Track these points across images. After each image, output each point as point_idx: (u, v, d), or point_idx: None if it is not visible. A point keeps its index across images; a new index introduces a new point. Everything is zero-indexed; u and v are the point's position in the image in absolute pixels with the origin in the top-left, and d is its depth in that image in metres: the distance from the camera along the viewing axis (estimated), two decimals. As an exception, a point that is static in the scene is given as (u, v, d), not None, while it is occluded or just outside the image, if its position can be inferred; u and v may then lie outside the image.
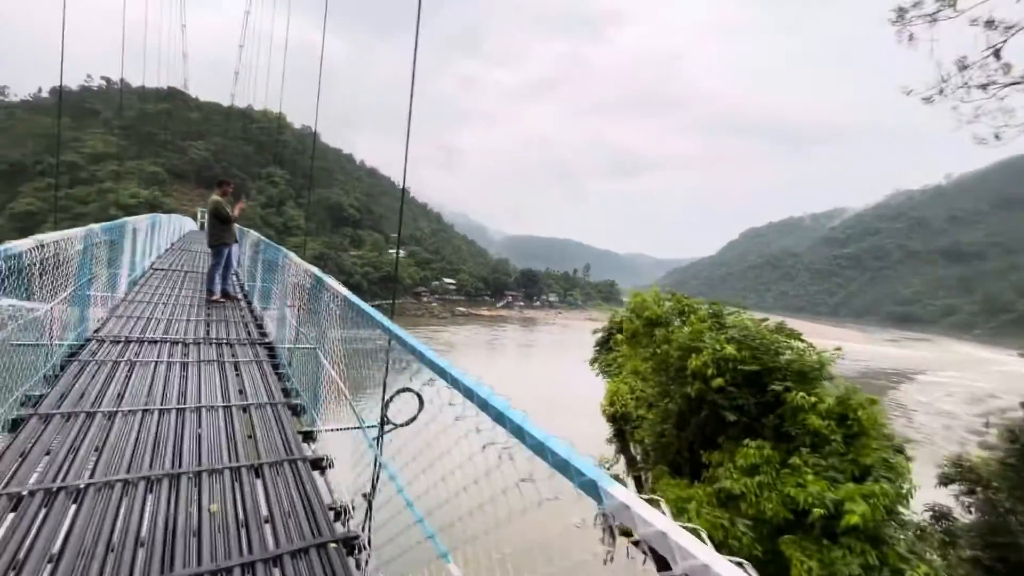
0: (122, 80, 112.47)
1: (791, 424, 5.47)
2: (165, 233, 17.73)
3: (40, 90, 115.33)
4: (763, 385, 5.95)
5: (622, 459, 10.70)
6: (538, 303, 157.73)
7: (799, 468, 5.08)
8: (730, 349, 5.94)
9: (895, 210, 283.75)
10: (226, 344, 5.26)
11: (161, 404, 3.43)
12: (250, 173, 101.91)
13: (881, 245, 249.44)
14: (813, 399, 5.32)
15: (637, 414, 10.28)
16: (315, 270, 4.10)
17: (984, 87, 7.66)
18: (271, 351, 5.28)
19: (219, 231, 7.95)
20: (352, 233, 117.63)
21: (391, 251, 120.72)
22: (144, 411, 3.28)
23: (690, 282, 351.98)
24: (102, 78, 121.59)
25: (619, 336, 8.57)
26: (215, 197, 8.00)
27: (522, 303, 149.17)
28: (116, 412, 3.21)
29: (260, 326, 6.64)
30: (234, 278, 8.53)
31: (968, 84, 7.72)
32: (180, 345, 4.99)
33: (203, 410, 3.42)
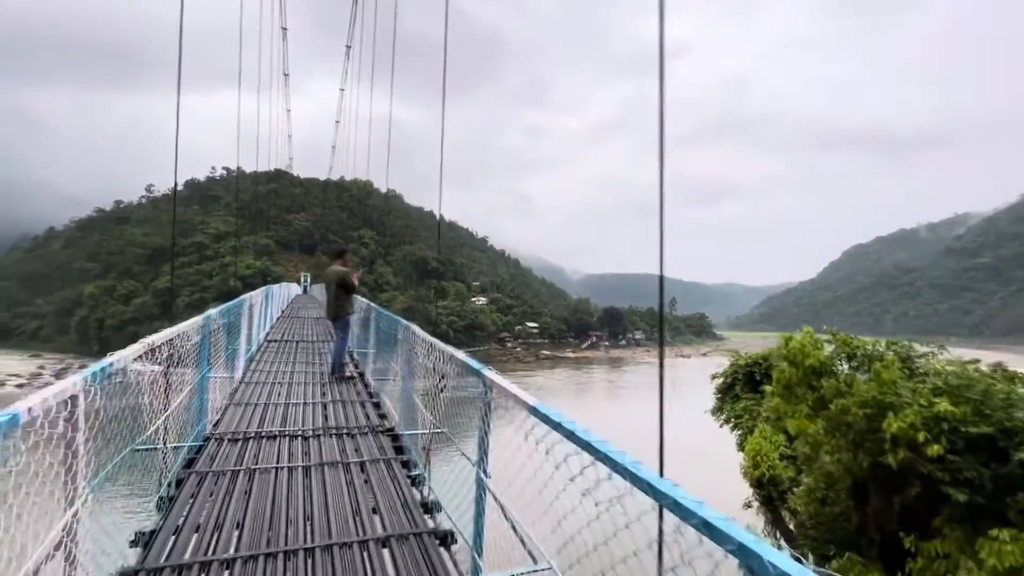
0: (238, 168, 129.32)
1: (1063, 507, 4.04)
2: (277, 302, 18.99)
3: (176, 185, 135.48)
4: (999, 452, 4.55)
5: (771, 531, 9.08)
6: (623, 341, 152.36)
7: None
8: (944, 405, 4.64)
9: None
10: (347, 435, 4.92)
11: (284, 544, 2.87)
12: (344, 237, 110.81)
13: (1020, 252, 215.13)
14: (1095, 474, 3.91)
15: (787, 476, 8.74)
16: (460, 355, 3.26)
17: None
18: (396, 442, 4.82)
19: (344, 302, 7.74)
20: (436, 284, 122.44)
21: (474, 299, 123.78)
22: (267, 556, 2.75)
23: (791, 309, 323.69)
24: (223, 168, 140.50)
25: (766, 387, 7.33)
26: (338, 268, 7.85)
27: (607, 343, 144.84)
28: (235, 560, 2.71)
29: (377, 405, 6.33)
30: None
31: None
32: (300, 440, 4.71)
33: (335, 548, 2.84)
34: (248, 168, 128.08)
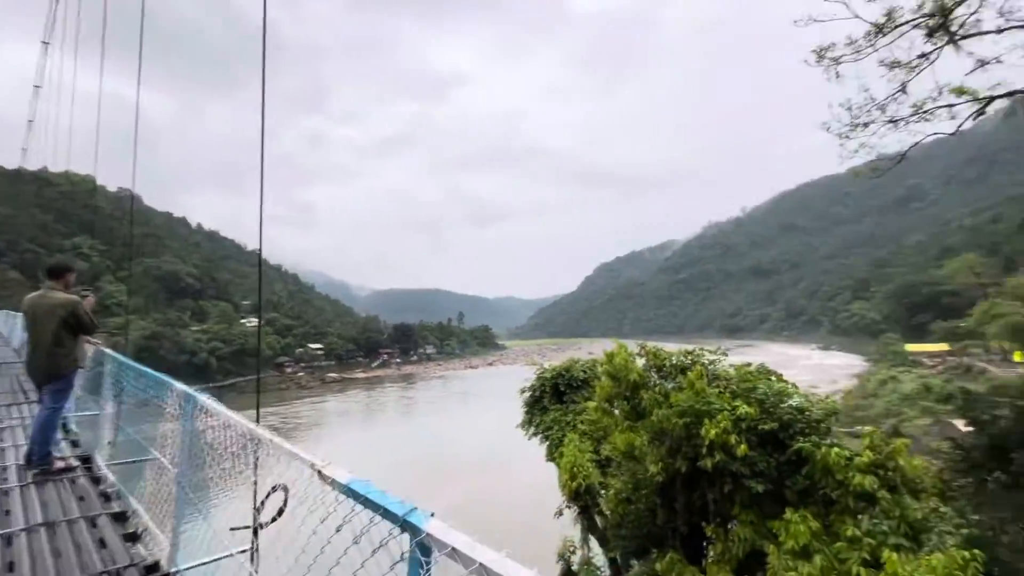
0: None
1: (828, 485, 4.99)
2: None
3: None
4: (781, 443, 5.47)
5: (586, 537, 9.59)
6: (415, 357, 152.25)
7: (859, 540, 4.56)
8: (744, 408, 5.38)
9: (711, 239, 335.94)
10: None
11: None
12: (49, 246, 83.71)
13: (706, 270, 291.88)
14: (847, 452, 4.93)
15: (599, 482, 9.33)
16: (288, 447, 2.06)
17: (866, 125, 8.49)
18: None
19: (70, 350, 4.80)
20: (193, 305, 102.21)
21: (244, 320, 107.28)
22: None
23: (558, 318, 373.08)
24: None
25: (575, 397, 7.62)
26: (58, 295, 4.81)
27: (399, 360, 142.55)
28: None
29: (123, 518, 3.61)
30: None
31: (854, 123, 8.47)
32: None
33: None
34: None
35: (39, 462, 4.52)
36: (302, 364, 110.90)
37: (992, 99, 7.82)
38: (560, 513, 11.04)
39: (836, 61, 7.18)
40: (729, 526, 6.24)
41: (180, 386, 3.08)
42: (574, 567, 9.91)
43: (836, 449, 4.96)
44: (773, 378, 6.51)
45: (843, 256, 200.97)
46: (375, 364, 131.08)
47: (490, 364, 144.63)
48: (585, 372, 12.37)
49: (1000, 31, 7.56)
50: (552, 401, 12.28)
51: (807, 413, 5.48)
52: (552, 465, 12.03)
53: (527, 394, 13.00)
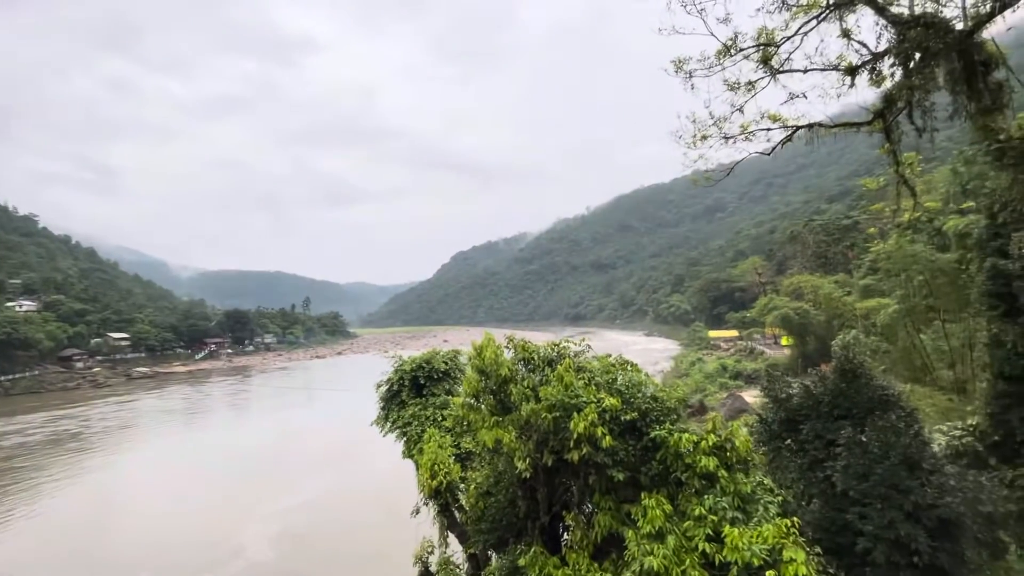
0: None
1: (678, 468, 5.37)
2: None
3: None
4: (638, 431, 5.75)
5: (446, 536, 9.28)
6: (251, 347, 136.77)
7: (704, 518, 4.98)
8: (609, 400, 5.52)
9: (559, 234, 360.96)
10: None
11: None
12: None
13: (555, 262, 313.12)
14: (695, 438, 5.35)
15: (462, 476, 9.08)
16: None
17: (704, 138, 9.47)
18: None
19: None
20: (-76, 283, 77.53)
21: (11, 304, 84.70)
22: None
23: (413, 305, 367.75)
24: None
25: (457, 399, 7.26)
26: None
27: (230, 350, 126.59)
28: None
29: None
30: None
31: (696, 136, 9.36)
32: None
33: None
34: None
35: None
36: (99, 357, 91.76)
37: (797, 128, 9.26)
38: (417, 511, 10.57)
39: (690, 74, 7.89)
40: (587, 512, 6.44)
41: None
42: (432, 568, 9.58)
43: (686, 435, 5.38)
44: (630, 368, 6.89)
45: (666, 255, 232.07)
46: (200, 356, 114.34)
47: (339, 353, 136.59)
48: (447, 363, 12.01)
49: (805, 71, 8.94)
50: (411, 395, 11.67)
51: (662, 402, 5.88)
52: (409, 461, 11.50)
53: (383, 388, 12.18)
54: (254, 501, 26.17)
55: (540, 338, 9.23)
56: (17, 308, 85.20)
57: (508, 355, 6.96)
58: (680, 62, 7.92)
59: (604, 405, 5.61)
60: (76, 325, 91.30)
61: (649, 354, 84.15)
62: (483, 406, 6.72)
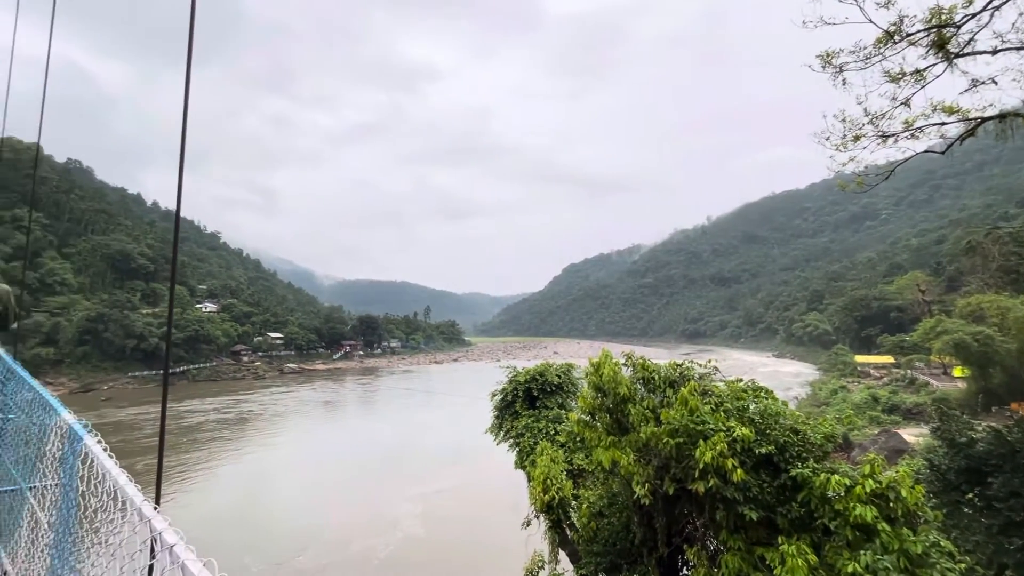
0: None
1: (825, 514, 4.71)
2: None
3: None
4: (775, 467, 5.17)
5: (556, 553, 9.17)
6: (379, 350, 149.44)
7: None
8: (741, 430, 5.04)
9: (676, 246, 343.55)
10: None
11: None
12: (-18, 216, 77.67)
13: (671, 275, 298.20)
14: (847, 481, 4.66)
15: (574, 493, 8.93)
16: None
17: (856, 139, 8.34)
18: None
19: None
20: (144, 287, 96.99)
21: (199, 305, 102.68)
22: None
23: (524, 316, 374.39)
24: None
25: (572, 415, 7.18)
26: None
27: (362, 352, 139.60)
28: None
29: None
30: None
31: (847, 136, 8.30)
32: None
33: None
34: None
35: None
36: (260, 353, 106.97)
37: (983, 120, 7.77)
38: (528, 524, 10.61)
39: (840, 68, 7.00)
40: (712, 550, 5.92)
41: (67, 417, 2.32)
42: (542, 583, 9.52)
43: (836, 476, 4.69)
44: (764, 395, 6.24)
45: (800, 268, 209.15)
46: (337, 356, 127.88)
47: (455, 360, 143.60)
48: (560, 377, 11.97)
49: (995, 52, 7.50)
50: (524, 406, 11.81)
51: (803, 435, 5.20)
52: (519, 474, 11.62)
53: (498, 397, 12.49)
54: (398, 484, 29.88)
55: (654, 354, 8.84)
56: (203, 309, 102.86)
57: (626, 373, 6.70)
58: (828, 56, 7.05)
59: (735, 434, 5.11)
60: (244, 325, 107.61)
61: (779, 378, 76.20)
62: (599, 424, 6.53)
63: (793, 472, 5.01)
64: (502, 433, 11.89)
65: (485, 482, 27.45)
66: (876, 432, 36.83)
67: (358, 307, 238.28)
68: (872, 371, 67.66)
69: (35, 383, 3.07)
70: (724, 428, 5.21)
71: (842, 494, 4.67)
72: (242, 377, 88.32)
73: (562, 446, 9.48)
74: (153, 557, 1.36)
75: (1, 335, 4.22)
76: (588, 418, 6.66)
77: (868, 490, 4.56)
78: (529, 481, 9.62)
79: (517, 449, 11.32)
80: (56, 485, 2.21)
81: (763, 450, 5.13)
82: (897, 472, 4.82)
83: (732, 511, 5.15)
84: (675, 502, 6.28)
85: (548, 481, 8.49)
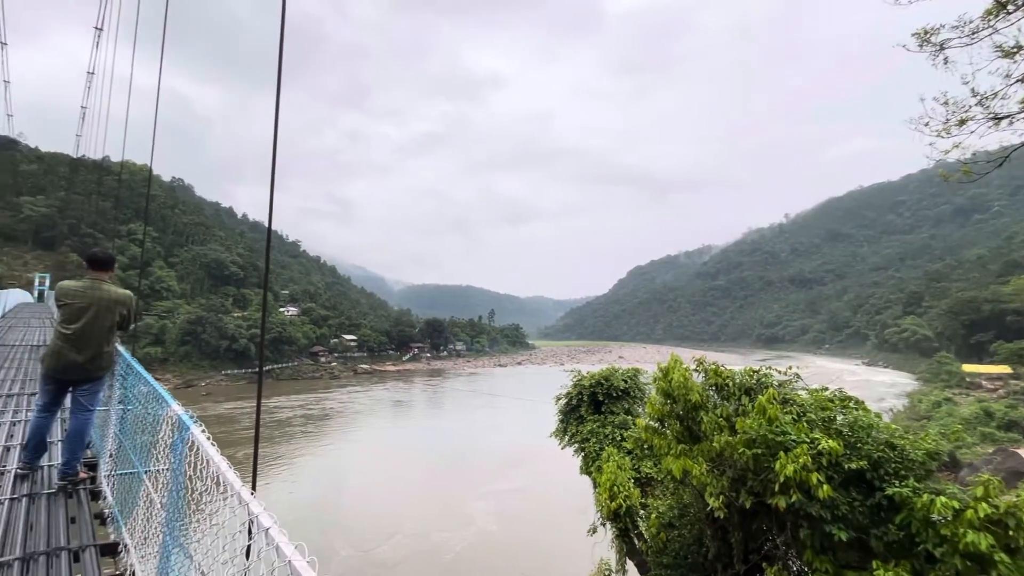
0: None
1: (928, 539, 4.24)
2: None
3: None
4: (869, 484, 4.74)
5: (623, 563, 8.96)
6: (445, 353, 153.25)
7: (973, 614, 3.83)
8: (827, 442, 4.66)
9: (751, 246, 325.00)
10: None
11: None
12: (107, 231, 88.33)
13: (744, 277, 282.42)
14: (956, 504, 4.18)
15: (642, 502, 8.68)
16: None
17: (962, 123, 7.54)
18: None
19: (114, 350, 4.53)
20: (235, 292, 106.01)
21: (282, 309, 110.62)
22: None
23: (588, 319, 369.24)
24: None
25: (640, 421, 6.99)
26: (116, 289, 4.44)
27: (429, 354, 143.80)
28: None
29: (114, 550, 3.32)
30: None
31: (950, 119, 7.58)
32: None
33: None
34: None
35: (67, 472, 4.24)
36: (335, 354, 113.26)
37: None
38: (593, 531, 10.43)
39: (941, 47, 6.30)
40: (795, 571, 5.52)
41: (176, 408, 2.64)
42: (609, 592, 9.32)
43: (942, 499, 4.20)
44: (853, 405, 5.73)
45: (894, 268, 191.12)
46: (406, 358, 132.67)
47: (519, 363, 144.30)
48: (626, 382, 11.69)
49: None
50: (589, 411, 11.64)
51: (902, 451, 4.72)
52: (586, 479, 11.44)
53: (562, 401, 12.40)
54: (470, 482, 30.90)
55: (726, 360, 8.41)
56: (286, 312, 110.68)
57: (697, 379, 6.42)
58: (926, 33, 6.36)
59: (820, 447, 4.73)
60: (321, 327, 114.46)
61: (871, 388, 69.90)
62: (668, 431, 6.30)
63: (890, 491, 4.56)
64: (567, 437, 11.78)
65: (553, 484, 27.61)
66: (990, 451, 32.86)
67: (425, 311, 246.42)
68: (984, 382, 60.31)
69: (150, 378, 3.48)
70: (807, 440, 4.84)
71: (949, 518, 4.18)
72: (320, 376, 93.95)
73: (629, 453, 9.24)
74: (250, 538, 1.50)
75: (122, 335, 4.77)
76: (657, 425, 6.44)
77: (982, 515, 4.05)
78: (595, 487, 9.46)
79: (582, 454, 11.18)
80: (167, 469, 2.51)
81: (853, 465, 4.70)
82: (1018, 496, 4.24)
83: (818, 530, 4.77)
84: (753, 517, 5.92)
85: (615, 488, 8.30)
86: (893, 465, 4.69)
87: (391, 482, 31.51)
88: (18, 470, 4.31)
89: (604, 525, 9.86)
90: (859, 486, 4.83)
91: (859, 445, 4.87)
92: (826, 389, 6.03)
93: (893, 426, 5.12)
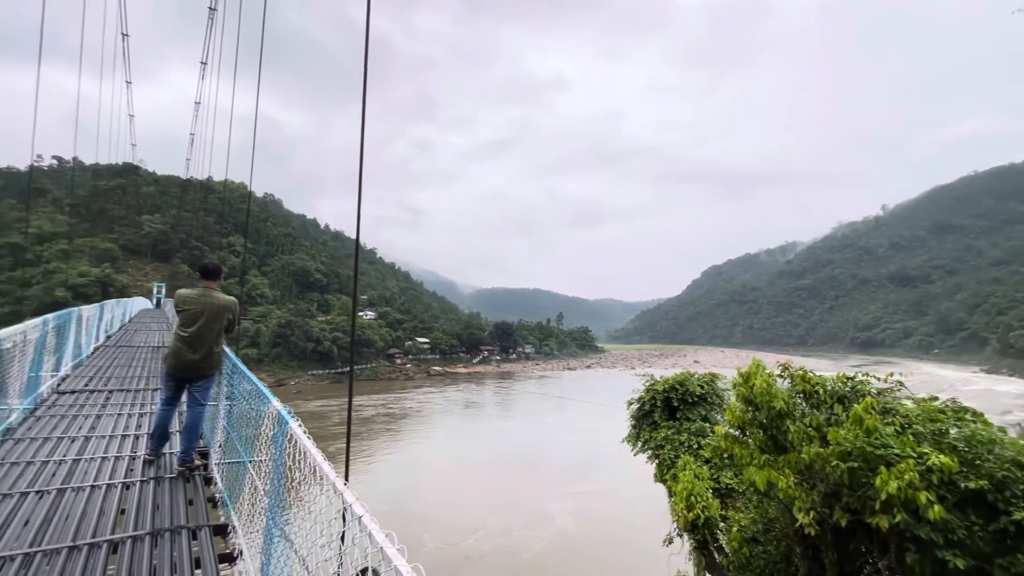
0: (75, 158, 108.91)
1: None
2: (98, 324, 15.05)
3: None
4: (991, 507, 4.21)
5: None
6: (514, 356, 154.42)
7: None
8: (938, 457, 4.20)
9: (842, 241, 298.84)
10: None
11: None
12: (211, 244, 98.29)
13: (834, 275, 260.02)
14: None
15: (722, 514, 8.26)
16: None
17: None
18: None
19: (222, 350, 5.13)
20: (320, 298, 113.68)
21: (361, 313, 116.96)
22: None
23: (660, 322, 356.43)
24: (53, 157, 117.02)
25: (719, 429, 6.67)
26: (223, 296, 5.03)
27: (498, 357, 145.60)
28: None
29: (223, 530, 3.70)
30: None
31: None
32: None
33: None
34: (87, 160, 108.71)
35: (185, 459, 4.87)
36: (409, 356, 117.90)
37: None
38: (670, 541, 10.06)
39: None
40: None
41: (276, 404, 2.92)
42: (688, 607, 8.93)
43: (1087, 529, 3.63)
44: (970, 417, 5.10)
45: (1019, 262, 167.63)
46: (476, 360, 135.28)
47: (588, 367, 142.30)
48: (702, 387, 11.18)
49: None
50: (663, 416, 11.25)
51: (1031, 469, 4.13)
52: (661, 486, 11.06)
53: (635, 406, 12.07)
54: (547, 483, 31.21)
55: (815, 366, 7.78)
56: (364, 317, 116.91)
57: (782, 385, 6.01)
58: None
59: (930, 463, 4.26)
60: (396, 331, 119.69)
61: (994, 399, 61.85)
62: (750, 440, 5.94)
63: (1018, 516, 4.01)
64: (640, 443, 11.45)
65: (630, 489, 27.19)
66: None
67: (494, 314, 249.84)
68: None
69: (253, 377, 3.89)
70: (914, 454, 4.37)
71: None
72: (396, 377, 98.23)
73: (707, 462, 8.82)
74: (345, 525, 1.64)
75: (229, 337, 5.34)
76: (737, 433, 6.10)
77: None
78: (670, 496, 9.12)
79: (656, 461, 10.82)
80: (269, 459, 2.80)
81: (972, 485, 4.18)
82: None
83: (929, 555, 4.29)
84: (849, 536, 5.45)
85: (692, 498, 7.96)
86: (1021, 486, 4.12)
87: (470, 480, 32.43)
88: (146, 456, 5.02)
89: (681, 536, 9.48)
90: (979, 508, 4.29)
91: (978, 462, 4.33)
92: (936, 399, 5.42)
93: (1021, 442, 4.50)
